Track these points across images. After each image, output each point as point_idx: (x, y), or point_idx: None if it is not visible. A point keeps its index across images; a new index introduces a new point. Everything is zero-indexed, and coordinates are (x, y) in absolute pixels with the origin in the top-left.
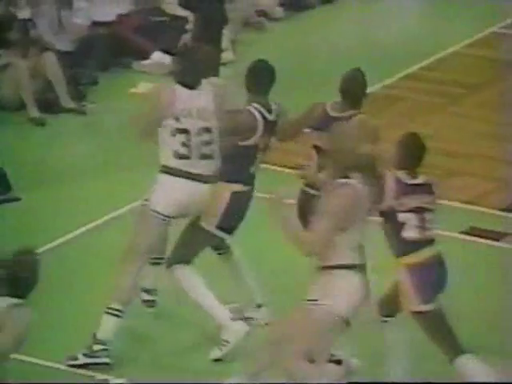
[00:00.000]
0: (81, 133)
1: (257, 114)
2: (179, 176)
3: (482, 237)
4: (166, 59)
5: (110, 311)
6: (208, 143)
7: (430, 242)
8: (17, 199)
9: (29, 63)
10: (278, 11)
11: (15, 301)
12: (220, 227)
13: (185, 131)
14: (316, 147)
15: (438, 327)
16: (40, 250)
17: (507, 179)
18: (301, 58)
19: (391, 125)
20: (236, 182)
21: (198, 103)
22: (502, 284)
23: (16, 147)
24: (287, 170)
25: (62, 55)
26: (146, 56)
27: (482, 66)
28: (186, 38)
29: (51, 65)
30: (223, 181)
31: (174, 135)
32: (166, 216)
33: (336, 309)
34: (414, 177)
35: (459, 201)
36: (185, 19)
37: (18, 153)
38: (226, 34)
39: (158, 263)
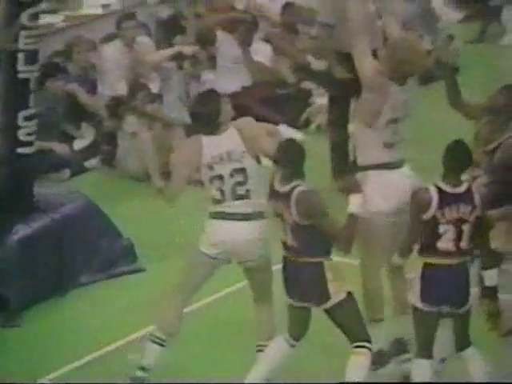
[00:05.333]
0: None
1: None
2: (216, 218)
3: None
4: (292, 133)
5: (153, 339)
6: (241, 183)
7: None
8: (141, 270)
9: (154, 135)
10: None
11: None
12: None
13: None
14: None
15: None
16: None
17: None
18: None
19: None
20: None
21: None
22: None
23: (141, 217)
24: None
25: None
26: None
27: None
28: (310, 111)
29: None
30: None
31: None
32: (210, 256)
33: None
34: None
35: None
36: (309, 92)
37: (142, 223)
38: None
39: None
